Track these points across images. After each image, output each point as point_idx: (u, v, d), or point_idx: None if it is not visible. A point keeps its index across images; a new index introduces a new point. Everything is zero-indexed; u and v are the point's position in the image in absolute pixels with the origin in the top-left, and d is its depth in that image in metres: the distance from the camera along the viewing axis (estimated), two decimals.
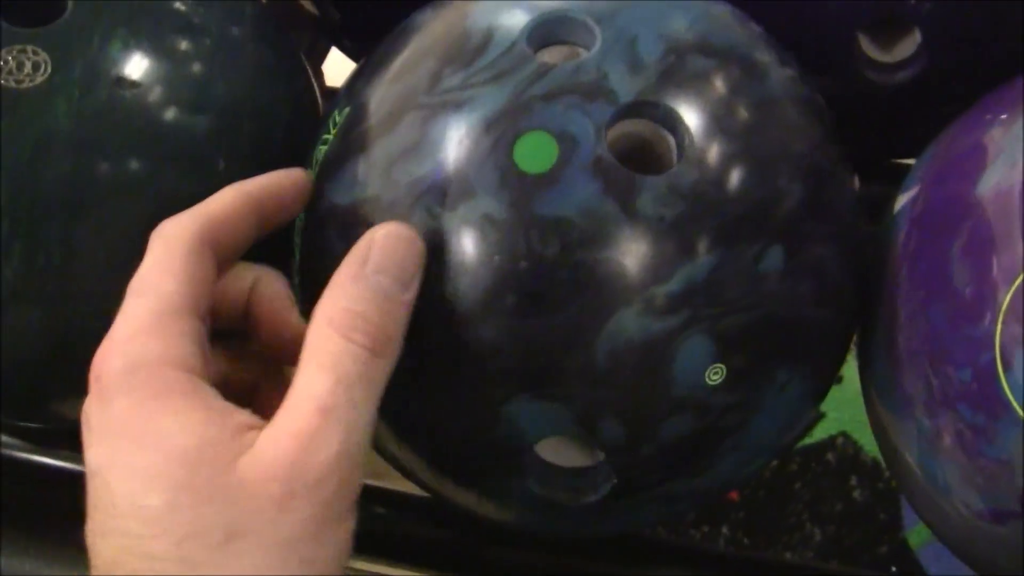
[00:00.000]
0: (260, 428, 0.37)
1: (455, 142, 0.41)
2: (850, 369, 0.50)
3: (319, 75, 0.81)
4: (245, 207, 0.42)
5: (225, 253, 0.41)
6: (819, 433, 0.82)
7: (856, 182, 0.48)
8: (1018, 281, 0.39)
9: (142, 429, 0.36)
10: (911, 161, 0.50)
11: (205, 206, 0.41)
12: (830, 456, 0.81)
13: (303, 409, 0.36)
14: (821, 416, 0.82)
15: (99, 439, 0.37)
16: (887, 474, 0.79)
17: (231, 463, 0.36)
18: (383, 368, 0.38)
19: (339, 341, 0.37)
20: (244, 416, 0.37)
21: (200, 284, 0.40)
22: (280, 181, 0.44)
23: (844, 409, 0.77)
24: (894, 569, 0.77)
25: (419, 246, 0.40)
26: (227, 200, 0.42)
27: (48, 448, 0.56)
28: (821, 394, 0.47)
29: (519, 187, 0.40)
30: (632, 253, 0.40)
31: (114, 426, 0.37)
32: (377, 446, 0.47)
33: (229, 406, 0.38)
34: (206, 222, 0.41)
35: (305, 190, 0.45)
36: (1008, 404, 0.39)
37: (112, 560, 0.36)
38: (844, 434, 0.82)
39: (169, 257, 0.40)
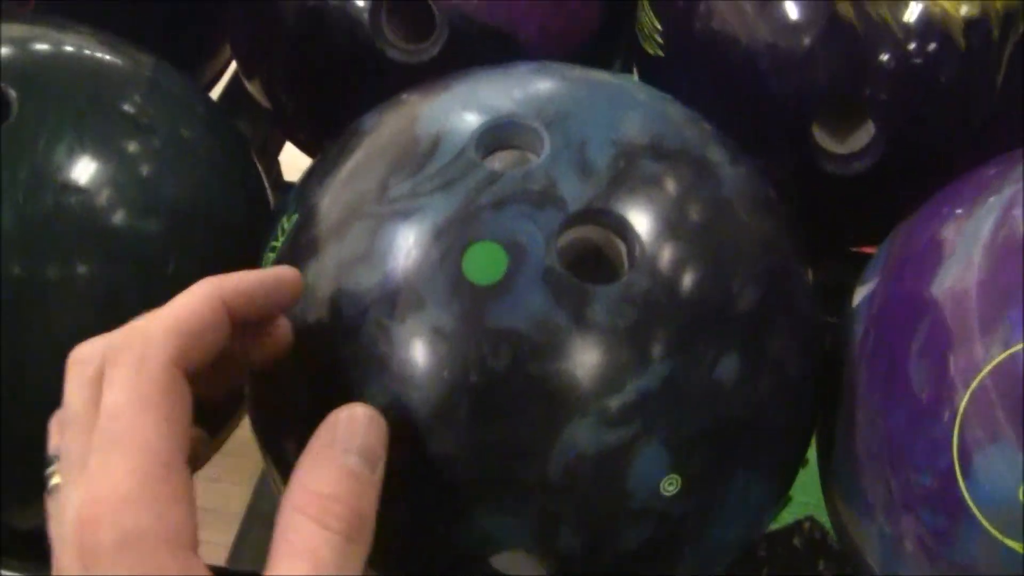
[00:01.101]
0: None
1: (404, 252, 0.40)
2: (815, 452, 0.49)
3: (275, 167, 0.81)
4: (219, 315, 0.39)
5: (198, 367, 0.39)
6: (785, 517, 0.81)
7: (810, 274, 0.48)
8: (976, 382, 0.39)
9: None
10: (872, 250, 0.50)
11: (175, 318, 0.38)
12: (797, 541, 0.80)
13: None
14: (787, 501, 0.81)
15: None
16: None
17: None
18: (359, 554, 0.37)
19: (313, 528, 0.36)
20: None
21: (183, 422, 0.37)
22: (263, 281, 0.40)
23: (811, 493, 0.76)
24: None
25: (383, 426, 0.39)
26: (199, 309, 0.39)
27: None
28: (782, 492, 0.47)
29: (469, 298, 0.39)
30: (584, 364, 0.39)
31: None
32: None
33: None
34: (179, 343, 0.38)
35: (296, 288, 0.42)
36: (968, 509, 0.39)
37: None
38: (811, 518, 0.81)
39: (145, 396, 0.37)
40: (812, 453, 0.49)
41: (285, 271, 0.41)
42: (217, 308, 0.39)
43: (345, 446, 0.38)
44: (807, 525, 0.81)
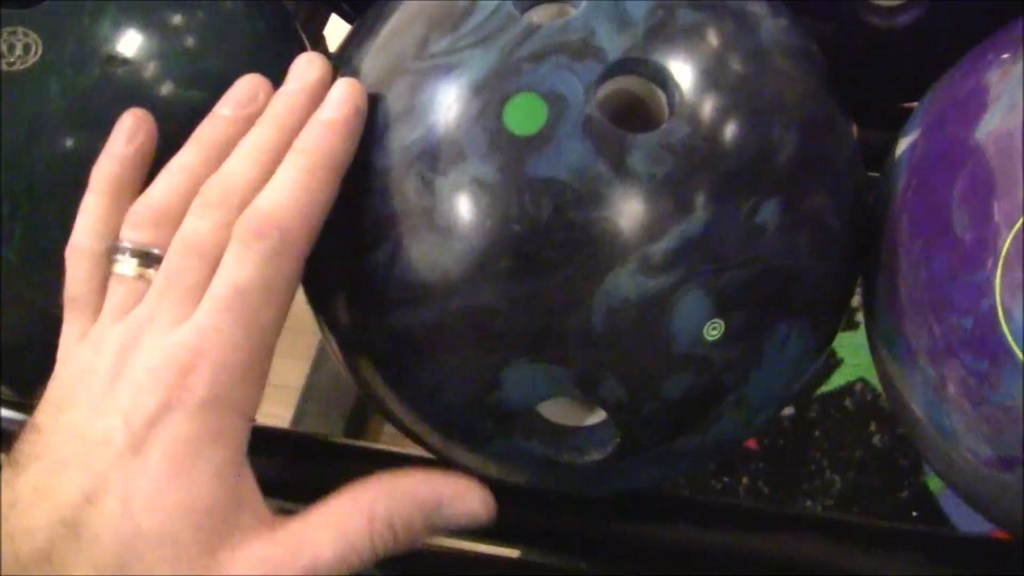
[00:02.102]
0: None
1: (444, 107, 0.41)
2: None
3: (320, 41, 0.81)
4: (334, 187, 0.43)
5: None
6: (837, 380, 0.81)
7: (855, 130, 0.47)
8: (1018, 226, 0.39)
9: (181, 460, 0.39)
10: (914, 104, 0.49)
11: (306, 209, 0.41)
12: (848, 403, 0.81)
13: None
14: (838, 363, 0.82)
15: (126, 454, 0.39)
16: None
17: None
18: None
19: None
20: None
21: (288, 307, 0.42)
22: (345, 134, 0.43)
23: (861, 355, 0.77)
24: (915, 514, 0.77)
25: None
26: (326, 201, 0.42)
27: None
28: (823, 346, 0.47)
29: (509, 150, 0.40)
30: (625, 212, 0.39)
31: (165, 439, 0.39)
32: (385, 412, 0.48)
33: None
34: (310, 237, 0.42)
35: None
36: (1010, 350, 0.39)
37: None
38: (862, 380, 0.81)
39: (272, 287, 0.41)
40: (862, 315, 0.49)
41: (359, 100, 0.43)
42: (334, 187, 0.42)
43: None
44: (859, 387, 0.81)
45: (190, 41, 0.49)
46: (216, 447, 0.40)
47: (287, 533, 0.40)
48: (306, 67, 0.45)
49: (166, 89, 0.47)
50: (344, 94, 0.43)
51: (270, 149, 0.43)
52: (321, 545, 0.40)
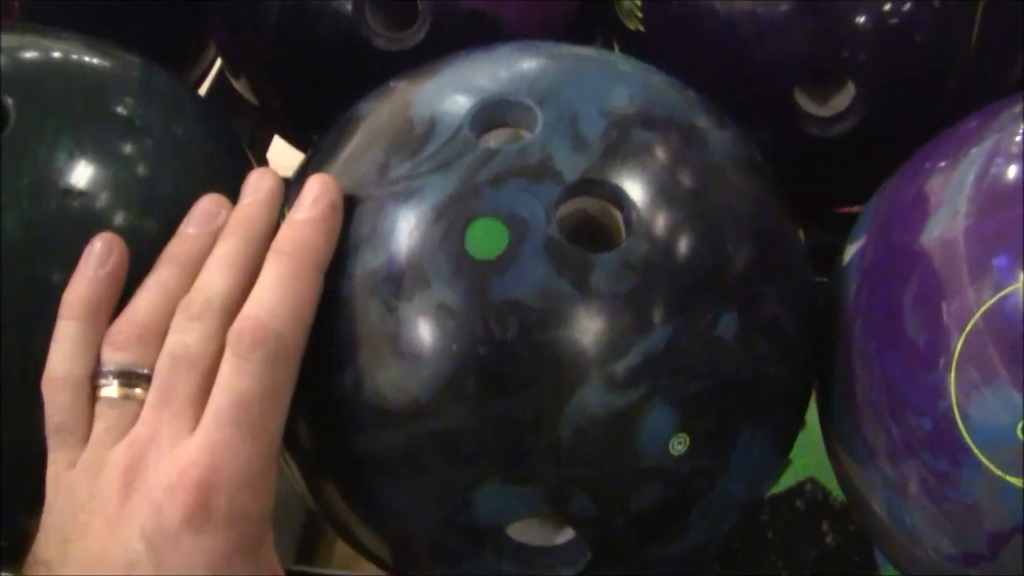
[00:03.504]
0: None
1: (406, 232, 0.41)
2: (813, 414, 0.50)
3: (263, 164, 0.81)
4: (319, 285, 0.43)
5: None
6: (787, 480, 0.82)
7: (801, 235, 0.49)
8: (969, 326, 0.40)
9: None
10: (857, 209, 0.51)
11: (301, 315, 0.42)
12: (799, 503, 0.81)
13: None
14: (788, 463, 0.82)
15: (172, 552, 0.39)
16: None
17: None
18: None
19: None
20: None
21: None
22: (334, 232, 0.44)
23: (810, 454, 0.77)
24: None
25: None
26: (313, 300, 0.42)
27: (12, 563, 0.55)
28: (786, 448, 0.48)
29: (473, 274, 0.40)
30: (589, 330, 0.40)
31: (196, 559, 0.39)
32: (348, 537, 0.47)
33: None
34: (304, 339, 0.42)
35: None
36: (969, 449, 0.40)
37: None
38: (812, 479, 0.82)
39: (276, 394, 0.41)
40: (810, 415, 0.50)
41: (334, 194, 0.44)
42: (319, 285, 0.43)
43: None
44: (809, 486, 0.82)
45: (142, 169, 0.49)
46: (246, 560, 0.40)
47: None
48: (259, 180, 0.47)
49: (121, 218, 0.47)
50: (318, 190, 0.43)
51: (241, 258, 0.44)
52: None
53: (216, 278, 0.43)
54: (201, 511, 0.39)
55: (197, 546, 0.39)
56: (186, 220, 0.46)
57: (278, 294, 0.42)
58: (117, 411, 0.42)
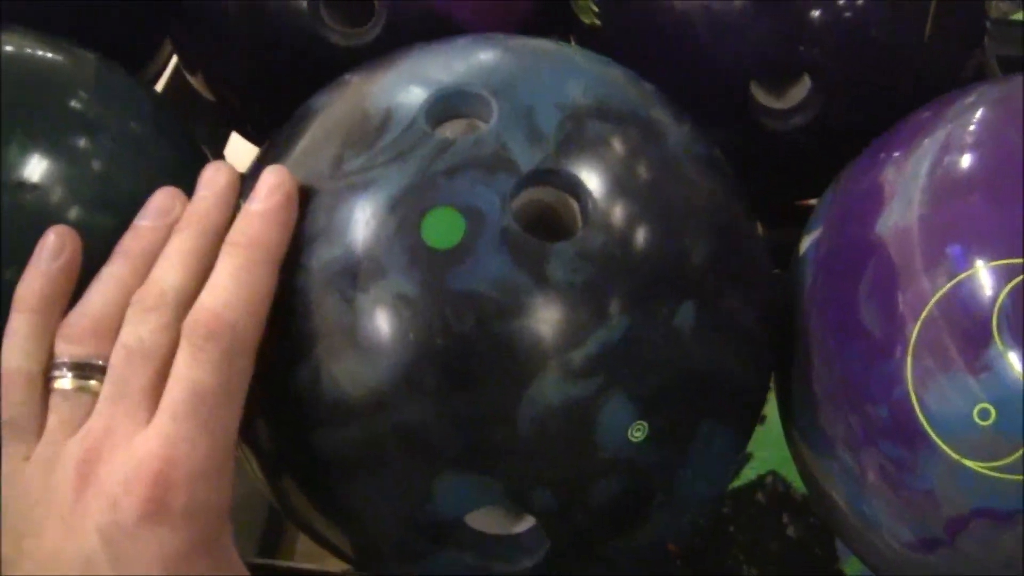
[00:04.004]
0: None
1: (362, 223, 0.41)
2: (773, 408, 0.50)
3: (221, 160, 0.81)
4: (274, 277, 0.43)
5: None
6: (748, 474, 0.82)
7: (760, 229, 0.49)
8: (924, 314, 0.40)
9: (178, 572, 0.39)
10: (814, 202, 0.51)
11: (255, 309, 0.42)
12: (760, 496, 0.82)
13: None
14: (749, 457, 0.83)
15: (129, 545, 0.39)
16: None
17: None
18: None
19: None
20: None
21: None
22: (288, 228, 0.43)
23: (771, 448, 0.78)
24: None
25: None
26: (269, 293, 0.42)
27: None
28: (744, 441, 0.48)
29: (429, 264, 0.40)
30: (546, 320, 0.40)
31: (154, 554, 0.39)
32: (307, 529, 0.47)
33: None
34: (260, 332, 0.42)
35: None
36: (926, 435, 0.40)
37: None
38: (773, 473, 0.82)
39: (231, 387, 0.41)
40: (769, 410, 0.50)
41: (288, 186, 0.43)
42: (275, 278, 0.43)
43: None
44: (769, 479, 0.82)
45: (97, 165, 0.49)
46: (206, 554, 0.40)
47: None
48: (215, 174, 0.46)
49: (75, 213, 0.47)
50: (273, 182, 0.43)
51: (195, 251, 0.43)
52: None
53: (170, 271, 0.43)
54: (158, 505, 0.39)
55: (155, 541, 0.39)
56: (141, 213, 0.46)
57: (233, 286, 0.41)
58: (71, 403, 0.42)
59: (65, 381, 0.42)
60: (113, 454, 0.40)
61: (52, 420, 0.42)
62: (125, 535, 0.39)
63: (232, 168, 0.47)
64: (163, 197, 0.46)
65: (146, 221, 0.46)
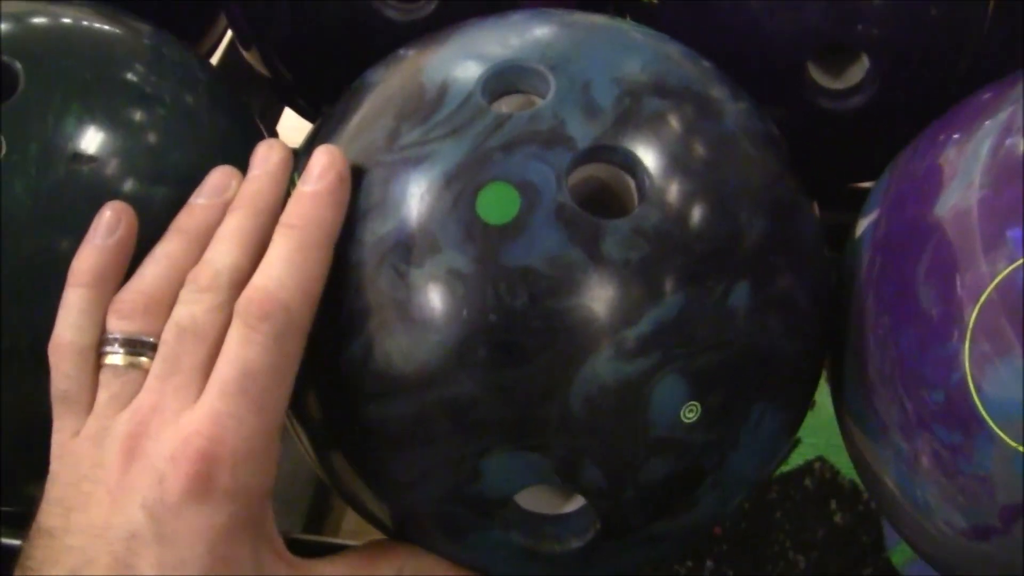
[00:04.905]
0: None
1: (417, 198, 0.41)
2: (823, 394, 0.50)
3: (275, 135, 0.81)
4: (328, 258, 0.43)
5: None
6: (796, 459, 0.82)
7: (816, 209, 0.48)
8: (983, 298, 0.39)
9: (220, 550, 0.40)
10: (870, 185, 0.51)
11: (308, 289, 0.42)
12: (808, 482, 0.81)
13: None
14: (797, 442, 0.82)
15: (174, 528, 0.39)
16: (866, 496, 0.79)
17: None
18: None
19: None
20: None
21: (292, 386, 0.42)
22: (340, 210, 0.43)
23: (819, 434, 0.77)
24: None
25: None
26: (321, 275, 0.42)
27: (18, 529, 0.55)
28: (796, 425, 0.47)
29: (484, 239, 0.40)
30: (600, 298, 0.40)
31: (197, 530, 0.39)
32: (357, 506, 0.47)
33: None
34: (312, 315, 0.42)
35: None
36: (983, 421, 0.39)
37: None
38: (821, 459, 0.82)
39: (282, 368, 0.41)
40: (820, 396, 0.50)
41: (341, 166, 0.43)
42: (329, 258, 0.42)
43: None
44: (818, 465, 0.81)
45: (153, 138, 0.49)
46: (248, 534, 0.40)
47: None
48: (268, 152, 0.46)
49: (130, 186, 0.47)
50: (325, 162, 0.43)
51: (250, 231, 0.43)
52: None
53: (225, 251, 0.43)
54: (203, 482, 0.39)
55: (198, 517, 0.39)
56: (197, 191, 0.46)
57: (287, 267, 0.41)
58: (121, 380, 0.42)
59: (116, 357, 0.42)
60: (161, 430, 0.40)
61: (102, 395, 0.42)
62: (169, 511, 0.39)
63: (285, 146, 0.47)
64: (219, 176, 0.46)
65: (201, 199, 0.46)
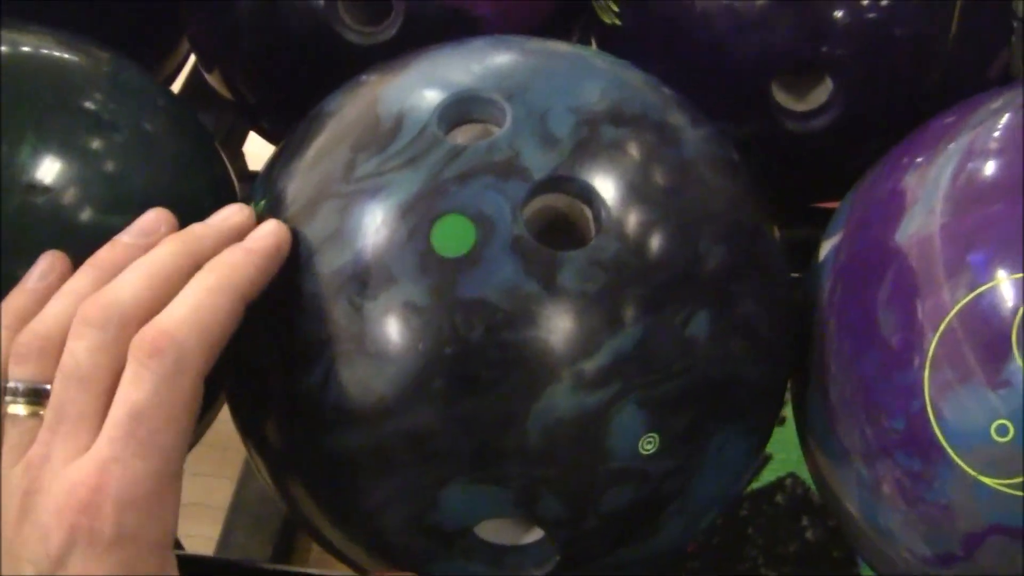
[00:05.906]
0: None
1: (372, 230, 0.41)
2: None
3: (239, 156, 0.81)
4: (239, 316, 0.40)
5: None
6: (767, 476, 0.82)
7: (776, 232, 0.48)
8: (943, 326, 0.39)
9: None
10: (835, 204, 0.50)
11: (204, 328, 0.39)
12: (780, 498, 0.81)
13: None
14: (768, 459, 0.82)
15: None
16: None
17: None
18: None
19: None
20: None
21: (193, 429, 0.39)
22: (272, 260, 0.42)
23: (790, 450, 0.77)
24: None
25: None
26: (225, 319, 0.40)
27: None
28: (761, 445, 0.47)
29: (439, 272, 0.40)
30: (557, 330, 0.39)
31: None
32: (317, 536, 0.47)
33: None
34: (209, 356, 0.39)
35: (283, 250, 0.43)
36: (943, 449, 0.39)
37: None
38: (792, 475, 0.82)
39: (171, 409, 0.38)
40: (788, 411, 0.50)
41: (283, 238, 0.42)
42: (239, 311, 0.40)
43: None
44: (789, 482, 0.82)
45: (111, 165, 0.48)
46: None
47: None
48: (233, 211, 0.44)
49: (88, 215, 0.47)
50: (270, 229, 0.42)
51: (165, 268, 0.41)
52: None
53: (127, 283, 0.40)
54: (84, 533, 0.37)
55: (83, 571, 0.37)
56: (125, 230, 0.44)
57: (191, 307, 0.39)
58: (19, 429, 0.40)
59: (17, 407, 0.40)
60: (51, 483, 0.38)
61: (4, 446, 0.40)
62: (53, 565, 0.37)
63: (252, 215, 0.45)
64: (151, 217, 0.44)
65: (126, 237, 0.43)
